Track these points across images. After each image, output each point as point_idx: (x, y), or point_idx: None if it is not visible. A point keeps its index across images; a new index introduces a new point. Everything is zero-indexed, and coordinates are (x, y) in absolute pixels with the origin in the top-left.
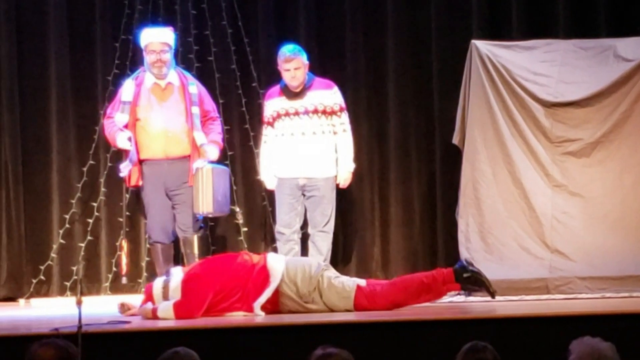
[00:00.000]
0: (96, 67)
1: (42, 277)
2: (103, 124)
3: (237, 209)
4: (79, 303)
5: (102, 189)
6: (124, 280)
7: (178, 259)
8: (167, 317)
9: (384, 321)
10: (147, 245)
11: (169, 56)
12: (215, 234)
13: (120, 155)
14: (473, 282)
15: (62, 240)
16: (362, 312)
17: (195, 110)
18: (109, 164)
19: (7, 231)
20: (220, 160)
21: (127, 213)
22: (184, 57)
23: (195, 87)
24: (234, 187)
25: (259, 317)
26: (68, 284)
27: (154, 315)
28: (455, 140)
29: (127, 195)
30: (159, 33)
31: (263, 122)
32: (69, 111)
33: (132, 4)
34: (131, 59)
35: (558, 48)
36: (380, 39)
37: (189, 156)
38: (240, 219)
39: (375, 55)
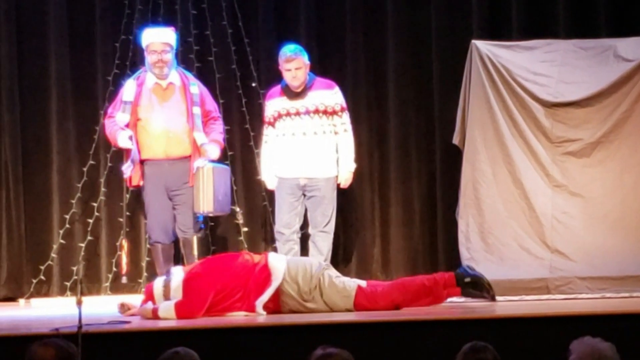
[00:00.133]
0: (96, 67)
1: (42, 277)
2: (104, 124)
3: (238, 209)
4: (79, 303)
5: (103, 189)
6: (124, 279)
7: (178, 259)
8: (168, 317)
9: (384, 321)
10: (148, 245)
11: (170, 56)
12: (215, 234)
13: (120, 155)
14: (474, 286)
15: (62, 240)
16: (363, 312)
17: (197, 110)
18: (109, 164)
19: (7, 231)
20: (221, 160)
21: (128, 213)
22: (184, 57)
23: (196, 87)
24: (234, 188)
25: (261, 316)
26: (68, 284)
27: (155, 315)
28: (456, 140)
29: (128, 195)
30: (161, 33)
31: (264, 122)
32: (69, 111)
33: (132, 4)
34: (131, 59)
35: (558, 48)
36: (381, 39)
37: (190, 156)
38: (240, 219)
39: (376, 55)
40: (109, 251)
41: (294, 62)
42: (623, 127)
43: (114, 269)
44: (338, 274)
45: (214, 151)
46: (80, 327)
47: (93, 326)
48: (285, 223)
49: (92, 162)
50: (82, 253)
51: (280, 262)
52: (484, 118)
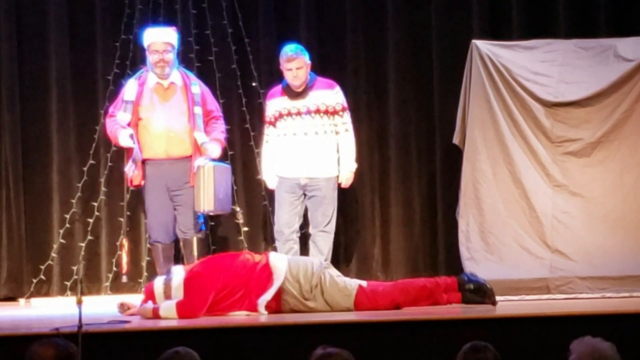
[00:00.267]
0: (96, 67)
1: (42, 277)
2: (105, 123)
3: (238, 209)
4: (79, 303)
5: (103, 189)
6: (125, 279)
7: (178, 259)
8: (169, 316)
9: (384, 321)
10: (148, 245)
11: (171, 56)
12: (215, 234)
13: (121, 154)
14: (475, 293)
15: (62, 240)
16: (363, 312)
17: (198, 110)
18: (110, 164)
19: (8, 231)
20: (221, 159)
21: (128, 213)
22: (184, 56)
23: (197, 87)
24: (234, 187)
25: (262, 316)
26: (68, 283)
27: (155, 315)
28: (456, 140)
29: (128, 195)
30: (162, 33)
31: (265, 121)
32: (69, 111)
33: (132, 4)
34: (131, 59)
35: (558, 48)
36: (381, 38)
37: (191, 156)
38: (240, 219)
39: (376, 55)
40: (109, 251)
41: (295, 61)
42: (623, 126)
43: (114, 268)
44: (339, 273)
45: (215, 150)
46: (80, 326)
47: (93, 326)
48: (286, 222)
49: (92, 161)
50: (82, 253)
51: (281, 262)
52: (485, 118)
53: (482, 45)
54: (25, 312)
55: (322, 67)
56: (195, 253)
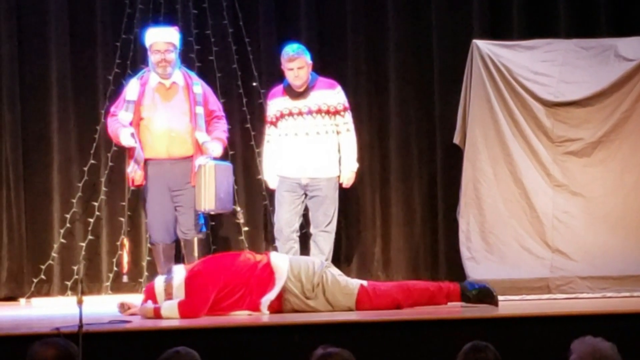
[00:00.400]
0: (97, 67)
1: (42, 277)
2: (106, 122)
3: (238, 209)
4: (79, 302)
5: (103, 188)
6: (125, 278)
7: (179, 259)
8: (171, 316)
9: (385, 321)
10: (148, 245)
11: (173, 56)
12: (216, 233)
13: (122, 154)
14: (477, 300)
15: (62, 240)
16: (364, 311)
17: (200, 110)
18: (110, 164)
19: (8, 230)
20: (223, 158)
21: (128, 212)
22: (185, 56)
23: (199, 87)
24: (235, 187)
25: (264, 316)
26: (69, 283)
27: (157, 315)
28: (456, 140)
29: (128, 195)
30: (164, 33)
31: (266, 121)
32: (70, 111)
33: (133, 4)
34: (132, 59)
35: (559, 48)
36: (381, 38)
37: (192, 156)
38: (241, 219)
39: (376, 54)
40: (109, 250)
41: (296, 61)
42: (624, 126)
43: (115, 268)
44: (340, 272)
45: (217, 149)
46: (80, 326)
47: (94, 326)
48: (286, 221)
49: (92, 161)
50: (83, 252)
51: (283, 261)
52: (485, 118)
53: (482, 45)
54: (25, 311)
55: (323, 67)
56: (195, 253)
